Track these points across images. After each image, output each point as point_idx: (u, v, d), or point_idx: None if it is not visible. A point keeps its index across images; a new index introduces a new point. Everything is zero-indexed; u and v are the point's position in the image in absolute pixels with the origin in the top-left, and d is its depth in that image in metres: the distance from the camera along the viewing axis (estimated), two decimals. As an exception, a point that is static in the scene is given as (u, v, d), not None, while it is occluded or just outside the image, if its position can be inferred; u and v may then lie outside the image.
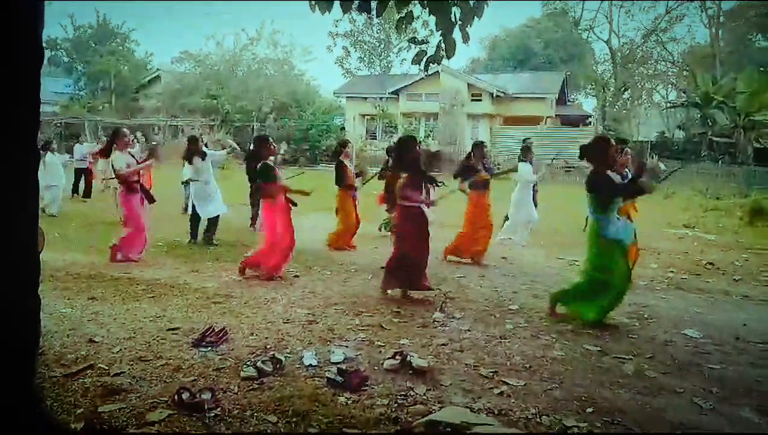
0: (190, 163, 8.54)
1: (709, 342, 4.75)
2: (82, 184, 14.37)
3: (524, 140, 9.75)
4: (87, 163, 14.19)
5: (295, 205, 6.57)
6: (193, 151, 8.52)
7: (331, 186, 8.83)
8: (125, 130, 7.66)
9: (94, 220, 10.47)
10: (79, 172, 14.27)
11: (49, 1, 2.63)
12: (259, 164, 6.52)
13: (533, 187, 9.51)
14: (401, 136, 6.47)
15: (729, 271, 7.91)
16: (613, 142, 5.43)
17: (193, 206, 8.67)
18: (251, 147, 6.75)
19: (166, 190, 11.96)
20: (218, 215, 8.58)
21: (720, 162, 25.26)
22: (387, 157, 9.63)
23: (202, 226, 8.62)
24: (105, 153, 7.46)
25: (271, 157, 6.67)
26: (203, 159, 8.51)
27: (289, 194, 6.52)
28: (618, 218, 5.18)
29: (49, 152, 11.46)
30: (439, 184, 6.10)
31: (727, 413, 3.39)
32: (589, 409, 3.33)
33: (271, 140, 6.83)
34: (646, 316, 5.48)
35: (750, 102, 25.54)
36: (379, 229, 9.63)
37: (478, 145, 8.19)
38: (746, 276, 7.61)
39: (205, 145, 13.16)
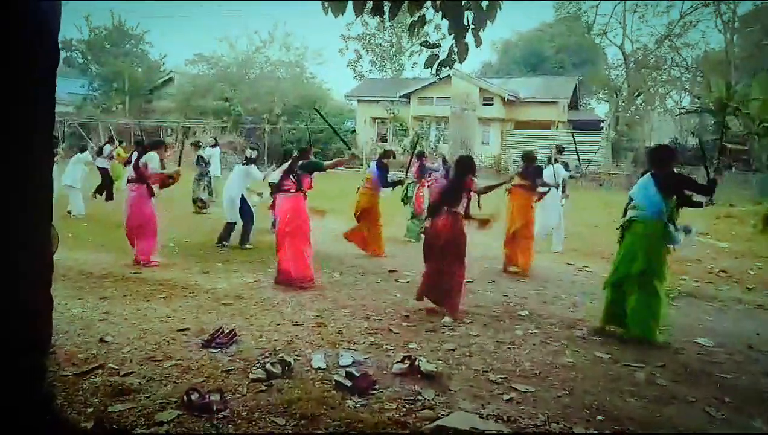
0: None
1: (721, 351, 4.70)
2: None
3: (556, 146, 9.71)
4: (109, 163, 14.24)
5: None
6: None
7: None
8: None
9: (107, 220, 10.53)
10: (103, 172, 14.20)
11: (65, 1, 2.65)
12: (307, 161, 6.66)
13: (562, 190, 9.43)
14: (464, 155, 6.33)
15: (742, 279, 7.83)
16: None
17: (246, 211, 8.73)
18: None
19: (175, 192, 12.04)
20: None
21: (733, 168, 25.02)
22: (418, 162, 9.66)
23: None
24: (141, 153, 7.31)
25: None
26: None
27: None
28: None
29: (79, 152, 11.66)
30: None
31: (739, 423, 3.35)
32: (599, 417, 3.31)
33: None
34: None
35: (765, 108, 25.23)
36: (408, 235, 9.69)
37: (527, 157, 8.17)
38: (759, 284, 7.52)
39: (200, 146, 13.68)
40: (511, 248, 7.75)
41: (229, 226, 8.64)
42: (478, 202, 5.75)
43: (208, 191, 13.33)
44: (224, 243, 8.51)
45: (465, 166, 5.72)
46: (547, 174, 8.70)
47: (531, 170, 7.95)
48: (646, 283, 4.81)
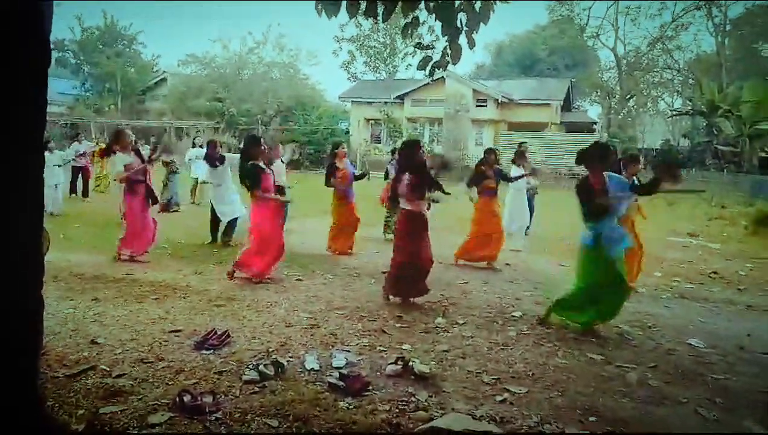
0: (214, 167, 8.71)
1: (713, 352, 4.72)
2: (80, 184, 14.37)
3: (519, 145, 9.88)
4: (84, 161, 14.19)
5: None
6: (214, 155, 8.79)
7: (331, 190, 8.85)
8: (128, 131, 7.64)
9: (98, 221, 10.48)
10: (76, 171, 14.17)
11: (58, 2, 2.64)
12: (248, 164, 6.42)
13: (528, 192, 9.65)
14: (407, 139, 6.48)
15: (733, 280, 7.87)
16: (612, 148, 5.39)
17: (213, 208, 8.81)
18: (241, 146, 6.73)
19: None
20: (236, 218, 8.70)
21: (725, 171, 25.20)
22: (391, 159, 9.70)
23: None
24: (106, 153, 7.53)
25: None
26: (222, 163, 8.68)
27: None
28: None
29: (47, 151, 11.49)
30: (448, 193, 6.14)
31: (730, 424, 3.37)
32: (592, 418, 3.32)
33: (262, 141, 6.78)
34: (649, 324, 5.45)
35: (756, 111, 25.49)
36: (385, 232, 9.65)
37: (489, 152, 8.24)
38: (751, 285, 7.57)
39: (199, 146, 13.37)
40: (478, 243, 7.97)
41: (232, 224, 8.73)
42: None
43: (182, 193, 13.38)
44: (230, 243, 8.57)
45: (407, 150, 5.97)
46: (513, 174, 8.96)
47: (495, 171, 8.03)
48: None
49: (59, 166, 11.90)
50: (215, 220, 8.85)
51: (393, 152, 10.12)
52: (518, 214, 9.47)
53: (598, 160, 4.97)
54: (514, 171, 9.16)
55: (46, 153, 11.37)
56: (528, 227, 9.95)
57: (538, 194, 10.78)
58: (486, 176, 7.92)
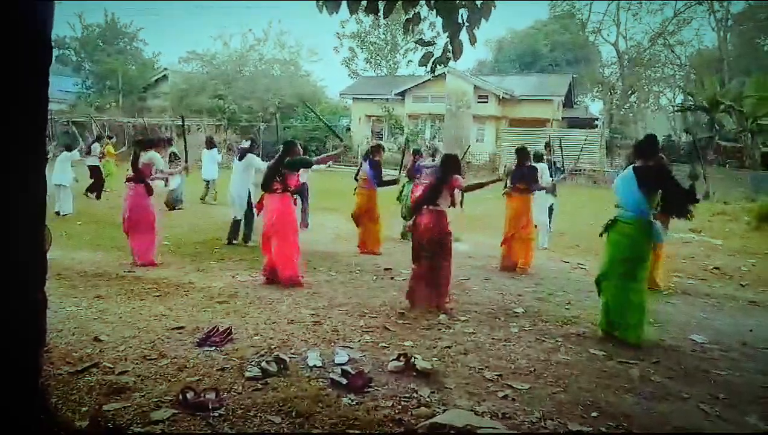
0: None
1: (715, 347, 4.72)
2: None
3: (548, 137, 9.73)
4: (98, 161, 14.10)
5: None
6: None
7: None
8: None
9: (101, 219, 10.50)
10: (93, 170, 13.90)
11: (59, 1, 2.64)
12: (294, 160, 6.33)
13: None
14: (449, 153, 6.13)
15: (736, 276, 7.87)
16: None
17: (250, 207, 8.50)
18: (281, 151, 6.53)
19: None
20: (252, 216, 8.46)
21: (727, 166, 25.15)
22: (416, 159, 9.56)
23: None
24: (147, 146, 7.21)
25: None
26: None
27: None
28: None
29: (66, 151, 11.48)
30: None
31: (733, 420, 3.37)
32: (594, 414, 3.32)
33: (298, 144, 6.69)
34: (651, 320, 5.44)
35: (758, 106, 25.41)
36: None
37: (520, 151, 7.96)
38: (753, 281, 7.56)
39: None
40: (509, 247, 7.71)
41: (236, 224, 8.61)
42: (461, 202, 5.75)
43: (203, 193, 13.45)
44: (233, 241, 8.52)
45: (450, 165, 5.62)
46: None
47: (526, 171, 7.70)
48: (629, 281, 4.71)
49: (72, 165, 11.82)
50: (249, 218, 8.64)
51: (416, 153, 10.00)
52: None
53: (653, 151, 4.79)
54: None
55: (66, 152, 11.35)
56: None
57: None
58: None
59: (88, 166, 13.71)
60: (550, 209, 9.67)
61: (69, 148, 11.80)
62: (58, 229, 8.47)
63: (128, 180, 7.08)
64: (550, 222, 9.71)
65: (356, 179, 8.69)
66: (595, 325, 5.01)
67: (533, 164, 8.08)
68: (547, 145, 9.76)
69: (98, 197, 13.57)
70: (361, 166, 8.72)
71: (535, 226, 8.66)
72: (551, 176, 9.26)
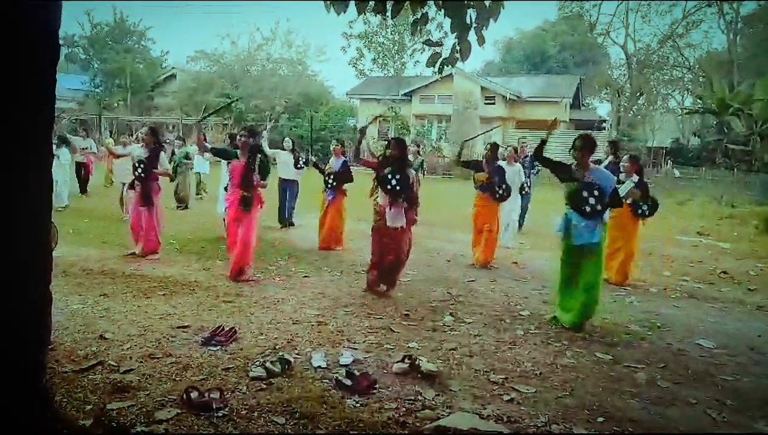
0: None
1: (723, 352, 4.68)
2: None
3: (518, 140, 10.00)
4: (86, 157, 14.06)
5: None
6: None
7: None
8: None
9: (107, 216, 10.52)
10: (78, 167, 13.77)
11: (67, 0, 2.64)
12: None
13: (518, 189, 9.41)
14: (398, 138, 6.34)
15: (744, 280, 7.80)
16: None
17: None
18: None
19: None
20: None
21: (735, 169, 24.97)
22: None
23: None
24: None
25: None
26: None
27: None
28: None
29: (64, 147, 11.56)
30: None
31: (741, 425, 3.34)
32: (600, 419, 3.29)
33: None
34: (658, 324, 5.41)
35: (767, 109, 25.21)
36: None
37: (491, 146, 8.15)
38: (761, 285, 7.50)
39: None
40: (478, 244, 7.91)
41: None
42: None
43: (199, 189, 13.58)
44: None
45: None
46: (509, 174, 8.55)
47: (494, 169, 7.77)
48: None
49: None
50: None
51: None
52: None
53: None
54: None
55: (63, 148, 11.46)
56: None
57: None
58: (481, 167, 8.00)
59: (77, 162, 13.78)
60: (523, 209, 10.28)
61: (65, 142, 11.83)
62: (67, 226, 8.50)
63: (138, 178, 7.22)
64: (521, 222, 10.28)
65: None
66: (601, 328, 4.99)
67: (500, 164, 8.08)
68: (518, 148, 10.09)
69: (81, 192, 13.68)
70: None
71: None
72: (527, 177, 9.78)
